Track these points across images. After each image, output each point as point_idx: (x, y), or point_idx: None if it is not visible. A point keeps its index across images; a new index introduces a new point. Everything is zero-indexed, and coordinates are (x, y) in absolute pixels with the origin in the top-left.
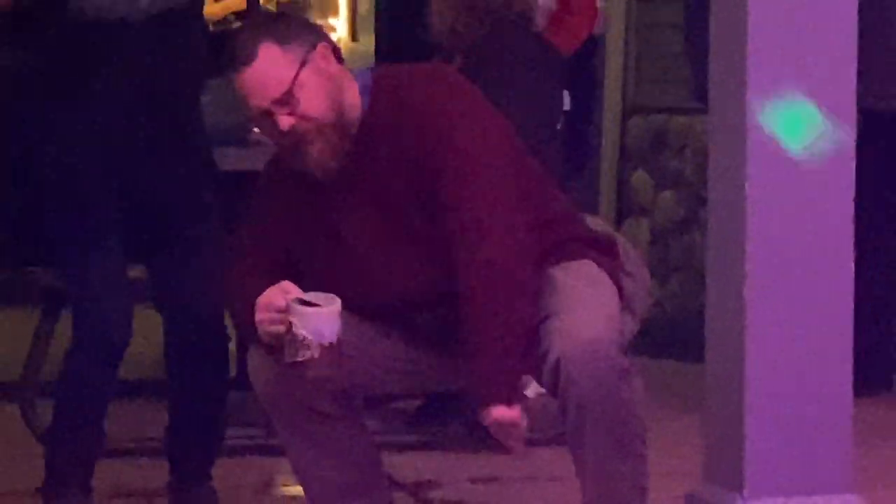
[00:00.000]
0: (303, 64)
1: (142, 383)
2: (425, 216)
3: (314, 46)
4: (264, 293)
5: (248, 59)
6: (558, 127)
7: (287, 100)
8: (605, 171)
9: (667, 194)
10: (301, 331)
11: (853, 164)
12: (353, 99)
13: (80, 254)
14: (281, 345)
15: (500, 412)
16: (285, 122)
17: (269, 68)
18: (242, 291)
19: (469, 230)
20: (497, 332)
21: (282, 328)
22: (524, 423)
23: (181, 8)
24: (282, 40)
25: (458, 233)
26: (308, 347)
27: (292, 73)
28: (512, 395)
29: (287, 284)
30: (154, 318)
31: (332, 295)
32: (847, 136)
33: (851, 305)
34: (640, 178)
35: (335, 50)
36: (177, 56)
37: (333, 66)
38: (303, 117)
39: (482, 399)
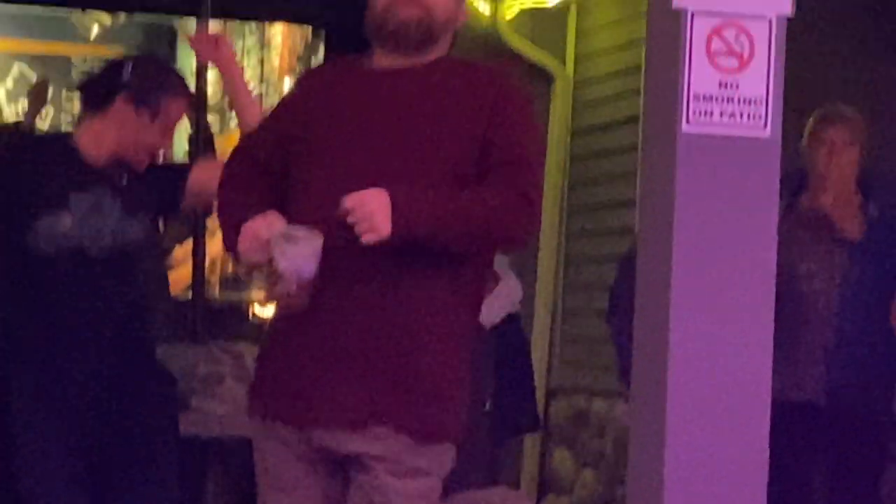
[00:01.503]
0: None
1: None
2: (439, 152)
3: None
4: (249, 223)
5: None
6: (486, 406)
7: None
8: (527, 448)
9: (587, 473)
10: (281, 264)
11: (766, 455)
12: (449, 34)
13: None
14: (259, 271)
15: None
16: None
17: None
18: (228, 200)
19: (526, 191)
20: (476, 220)
21: (263, 259)
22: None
23: (138, 241)
24: None
25: (515, 185)
26: (286, 281)
27: None
28: (395, 230)
29: (273, 216)
30: None
31: (314, 231)
32: (761, 424)
33: None
34: (561, 456)
35: None
36: (136, 285)
37: (461, 8)
38: None
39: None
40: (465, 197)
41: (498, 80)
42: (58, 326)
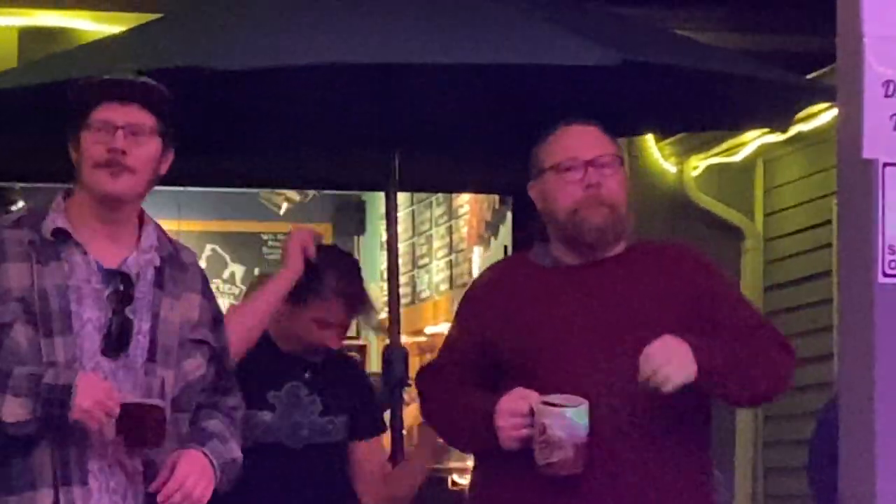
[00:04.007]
0: (621, 158)
1: None
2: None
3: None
4: (502, 400)
5: (586, 122)
6: None
7: (607, 163)
8: None
9: None
10: (556, 432)
11: None
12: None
13: None
14: (526, 448)
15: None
16: (599, 176)
17: (602, 135)
18: (447, 407)
19: (785, 342)
20: (752, 371)
21: (526, 434)
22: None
23: (336, 442)
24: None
25: (774, 339)
26: (563, 448)
27: (617, 151)
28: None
29: (522, 390)
30: None
31: (570, 395)
32: None
33: None
34: None
35: None
36: (339, 477)
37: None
38: (609, 188)
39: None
40: (739, 346)
41: (696, 259)
42: None
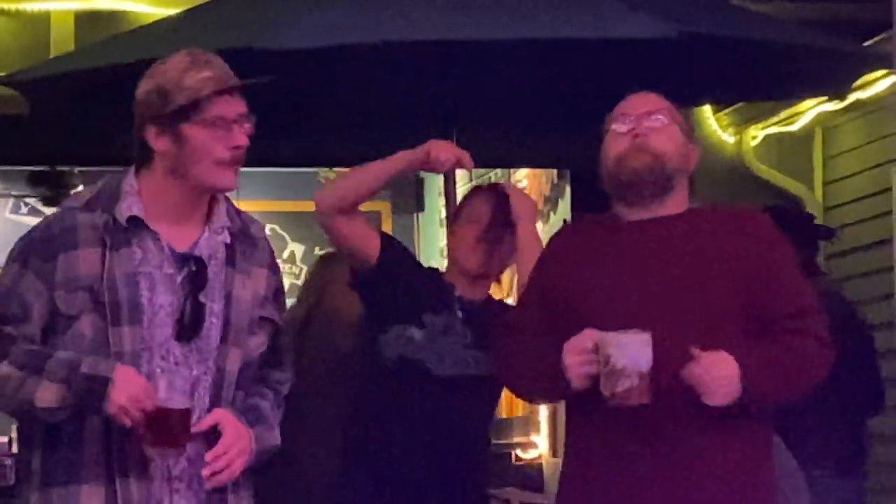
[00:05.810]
0: (679, 123)
1: None
2: (712, 296)
3: (688, 135)
4: (569, 341)
5: (647, 92)
6: None
7: (657, 118)
8: None
9: None
10: (619, 360)
11: None
12: (684, 181)
13: None
14: (593, 385)
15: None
16: (645, 128)
17: (660, 99)
18: (521, 361)
19: (823, 336)
20: (786, 375)
21: (594, 370)
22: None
23: (480, 376)
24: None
25: (814, 332)
26: (628, 376)
27: (666, 109)
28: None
29: (588, 330)
30: None
31: (633, 330)
32: None
33: None
34: None
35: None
36: (467, 419)
37: (693, 151)
38: (656, 139)
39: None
40: (783, 353)
41: (761, 226)
42: (394, 437)
